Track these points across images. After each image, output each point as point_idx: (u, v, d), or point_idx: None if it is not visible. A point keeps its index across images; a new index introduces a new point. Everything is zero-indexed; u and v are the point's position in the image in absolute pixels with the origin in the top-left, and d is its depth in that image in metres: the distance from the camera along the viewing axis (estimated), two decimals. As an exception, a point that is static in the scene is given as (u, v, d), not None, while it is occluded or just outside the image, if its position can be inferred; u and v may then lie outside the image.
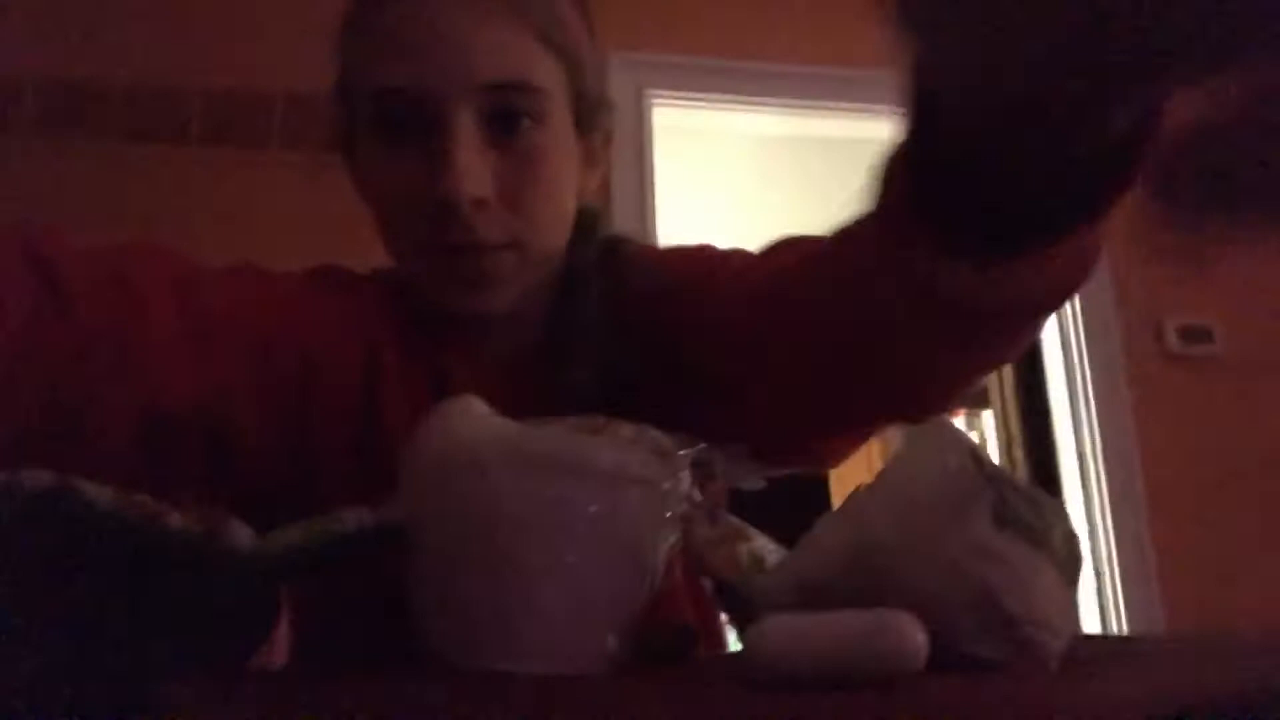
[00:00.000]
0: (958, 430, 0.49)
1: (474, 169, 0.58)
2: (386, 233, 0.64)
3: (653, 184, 2.30)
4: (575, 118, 0.65)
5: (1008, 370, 2.56)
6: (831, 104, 2.46)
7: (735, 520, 0.57)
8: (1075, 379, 2.42)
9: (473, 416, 0.44)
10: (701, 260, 0.69)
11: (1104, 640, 0.66)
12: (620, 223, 2.13)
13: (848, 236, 0.49)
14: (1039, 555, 0.45)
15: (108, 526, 0.36)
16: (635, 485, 0.44)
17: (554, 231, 0.65)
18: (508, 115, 0.59)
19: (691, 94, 2.42)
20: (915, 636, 0.39)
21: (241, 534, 0.41)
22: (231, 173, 2.06)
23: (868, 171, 0.42)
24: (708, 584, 0.54)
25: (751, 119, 2.55)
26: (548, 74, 0.61)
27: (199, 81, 2.09)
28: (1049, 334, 2.47)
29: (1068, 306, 2.42)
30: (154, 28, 2.10)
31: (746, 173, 4.09)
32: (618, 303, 0.69)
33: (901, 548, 0.44)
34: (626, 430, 0.46)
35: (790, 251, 0.60)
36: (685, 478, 0.47)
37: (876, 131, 2.69)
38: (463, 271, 0.61)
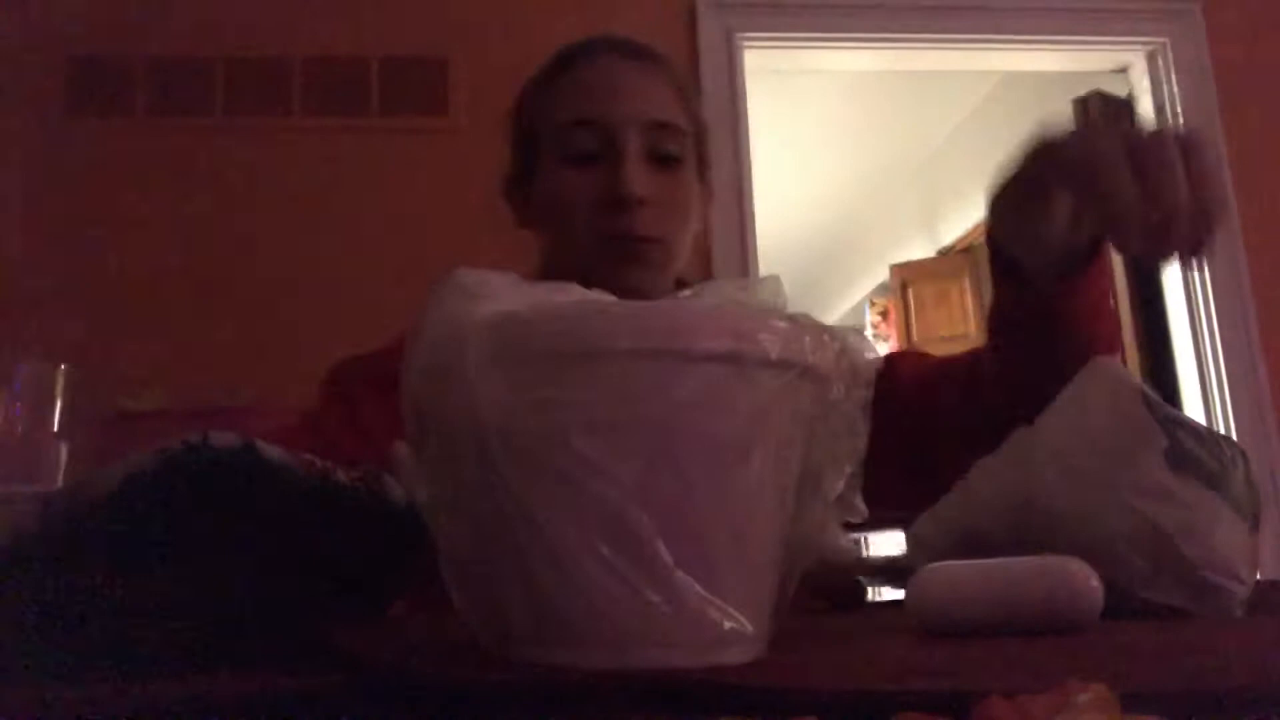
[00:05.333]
0: (1125, 370, 0.46)
1: (641, 177, 0.80)
2: (564, 232, 0.84)
3: (746, 127, 2.26)
4: (697, 163, 0.88)
5: (1127, 323, 2.45)
6: (923, 37, 2.39)
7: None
8: (1199, 321, 2.31)
9: None
10: None
11: None
12: (715, 166, 2.10)
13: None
14: (1217, 498, 0.43)
15: (285, 482, 0.37)
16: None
17: (685, 239, 0.87)
18: (662, 156, 0.83)
19: (781, 34, 2.36)
20: (1090, 582, 0.38)
21: (396, 488, 0.43)
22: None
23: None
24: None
25: (842, 56, 2.48)
26: (687, 124, 0.86)
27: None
28: (1173, 281, 2.35)
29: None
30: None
31: (840, 110, 3.98)
32: None
33: (1070, 492, 0.43)
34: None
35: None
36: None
37: (966, 63, 2.59)
38: (628, 251, 0.82)
